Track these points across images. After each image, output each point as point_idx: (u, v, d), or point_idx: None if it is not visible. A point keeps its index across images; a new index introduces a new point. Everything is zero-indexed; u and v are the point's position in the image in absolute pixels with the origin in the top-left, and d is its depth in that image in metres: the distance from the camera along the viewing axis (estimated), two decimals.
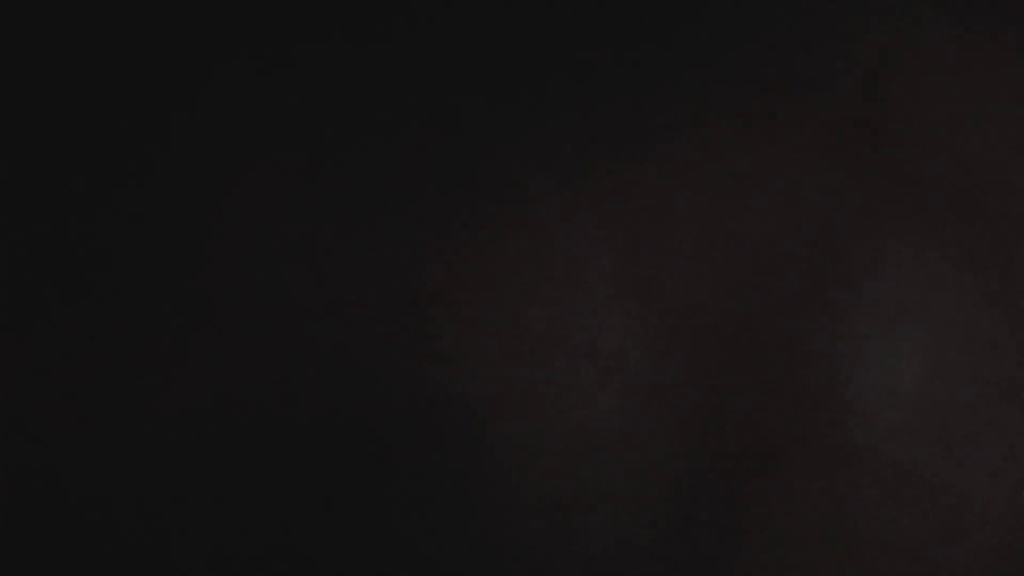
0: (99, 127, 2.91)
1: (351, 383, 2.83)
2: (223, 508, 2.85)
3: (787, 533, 2.74)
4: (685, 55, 2.78)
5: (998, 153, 2.75)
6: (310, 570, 2.83)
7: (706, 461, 2.76)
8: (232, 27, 2.89)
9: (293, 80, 2.87)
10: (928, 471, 2.73)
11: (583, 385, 2.77)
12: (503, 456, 2.79)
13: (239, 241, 2.87)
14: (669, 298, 2.79)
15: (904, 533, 2.73)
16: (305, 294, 2.85)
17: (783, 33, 2.77)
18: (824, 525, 2.74)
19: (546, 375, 2.78)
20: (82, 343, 2.88)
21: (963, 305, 2.74)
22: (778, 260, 2.77)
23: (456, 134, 2.82)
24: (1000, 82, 2.76)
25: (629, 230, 2.80)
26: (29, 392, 2.88)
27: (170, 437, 2.86)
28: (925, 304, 2.75)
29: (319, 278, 2.85)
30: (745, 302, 2.76)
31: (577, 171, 2.81)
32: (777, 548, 2.75)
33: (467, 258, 2.82)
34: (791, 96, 2.77)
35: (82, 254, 2.89)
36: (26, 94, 2.93)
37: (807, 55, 2.77)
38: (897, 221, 2.77)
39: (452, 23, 2.83)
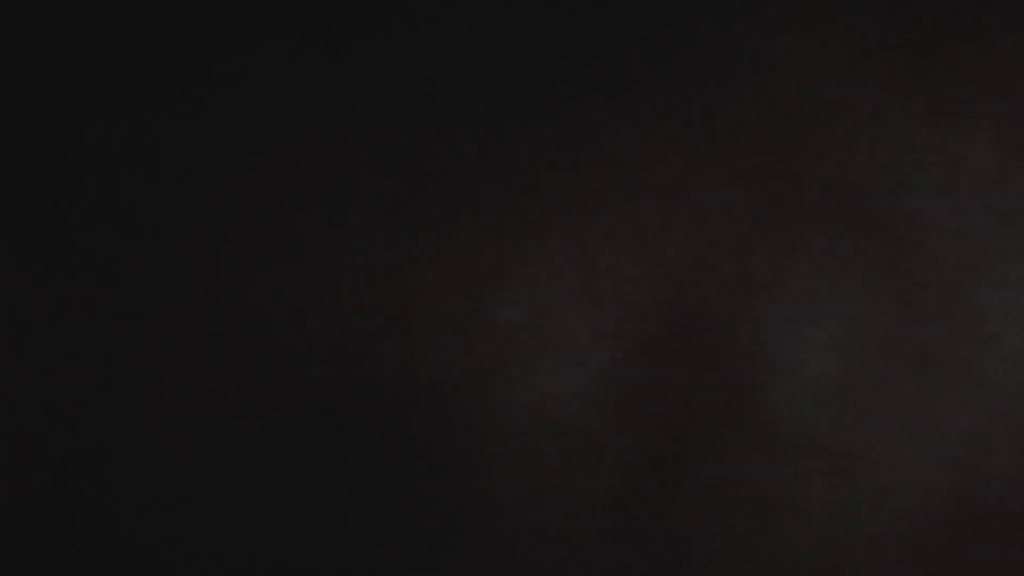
0: (101, 128, 2.87)
1: (337, 371, 2.83)
2: (225, 485, 2.82)
3: (721, 501, 2.78)
4: (618, 83, 2.80)
5: (893, 160, 2.77)
6: (298, 546, 2.83)
7: (653, 439, 2.79)
8: (233, 27, 2.86)
9: (287, 87, 2.85)
10: (841, 445, 2.76)
11: (546, 374, 2.81)
12: (472, 437, 2.81)
13: (235, 239, 2.85)
14: (621, 297, 2.82)
15: (822, 500, 2.76)
16: (296, 291, 2.84)
17: (703, 63, 2.79)
18: (752, 494, 2.77)
19: (512, 365, 2.81)
20: (83, 341, 2.86)
21: (866, 298, 2.77)
22: (708, 263, 2.80)
23: (436, 148, 2.83)
24: (894, 92, 2.77)
25: (586, 238, 2.83)
26: (29, 392, 2.85)
27: (171, 430, 2.84)
28: (833, 298, 2.78)
29: (309, 275, 2.84)
30: (683, 300, 2.80)
31: (541, 185, 2.83)
32: (712, 514, 2.79)
33: (443, 260, 2.83)
34: (708, 119, 2.79)
35: (84, 253, 2.86)
36: (27, 94, 2.88)
37: (722, 82, 2.78)
38: (806, 226, 2.79)
39: (427, 38, 2.83)
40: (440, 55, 2.85)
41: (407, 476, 2.83)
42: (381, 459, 2.84)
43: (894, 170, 2.79)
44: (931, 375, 2.77)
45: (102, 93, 2.89)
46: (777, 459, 2.78)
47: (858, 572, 2.76)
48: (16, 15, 2.86)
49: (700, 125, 2.81)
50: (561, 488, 2.82)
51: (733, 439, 2.79)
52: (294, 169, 2.86)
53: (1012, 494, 2.74)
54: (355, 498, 2.84)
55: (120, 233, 2.87)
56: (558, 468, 2.82)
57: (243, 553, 2.84)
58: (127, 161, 2.88)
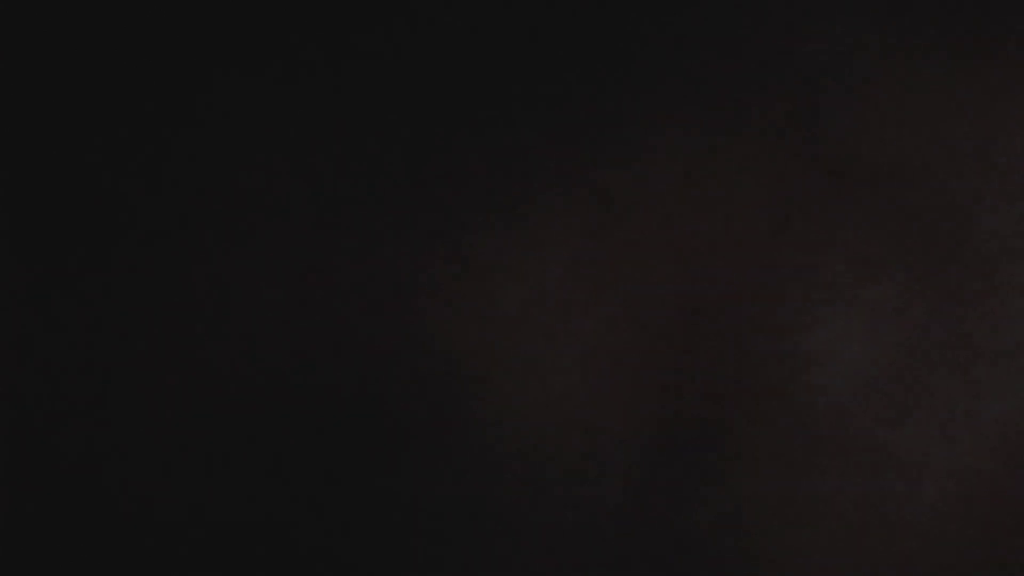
0: (102, 128, 2.89)
1: (347, 359, 2.83)
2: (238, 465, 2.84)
3: (746, 495, 2.77)
4: (641, 68, 2.80)
5: (929, 147, 2.77)
6: (300, 543, 2.84)
7: (668, 431, 2.78)
8: (232, 26, 2.87)
9: (286, 86, 2.86)
10: (874, 438, 2.76)
11: (553, 363, 2.80)
12: (480, 432, 2.81)
13: (241, 234, 2.86)
14: (631, 283, 2.81)
15: (855, 494, 2.76)
16: (297, 287, 2.84)
17: (730, 50, 2.79)
18: (781, 488, 2.77)
19: (520, 355, 2.81)
20: (84, 340, 2.87)
21: (901, 287, 2.76)
22: (729, 249, 2.79)
23: (438, 143, 2.83)
24: (929, 78, 2.77)
25: (592, 226, 2.81)
26: (30, 391, 2.87)
27: (169, 428, 2.85)
28: (862, 288, 2.78)
29: (315, 270, 2.85)
30: (700, 287, 2.79)
31: (556, 174, 2.82)
32: (736, 510, 2.78)
33: (450, 253, 2.83)
34: (736, 105, 2.79)
35: (84, 253, 2.88)
36: (28, 94, 2.90)
37: (749, 69, 2.78)
38: (836, 216, 2.78)
39: (432, 34, 2.84)
40: (447, 40, 2.84)
41: (413, 471, 2.84)
42: (387, 454, 2.84)
43: (929, 157, 2.79)
44: (967, 366, 2.76)
45: (104, 94, 2.91)
46: (807, 453, 2.78)
47: (892, 566, 2.76)
48: (16, 15, 2.91)
49: (727, 111, 2.80)
50: (573, 483, 2.81)
51: (760, 432, 2.79)
52: (295, 164, 2.87)
53: None
54: (360, 494, 2.85)
55: (121, 233, 2.89)
56: (571, 463, 2.82)
57: (246, 551, 2.86)
58: (127, 160, 2.90)
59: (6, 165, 2.88)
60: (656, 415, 2.79)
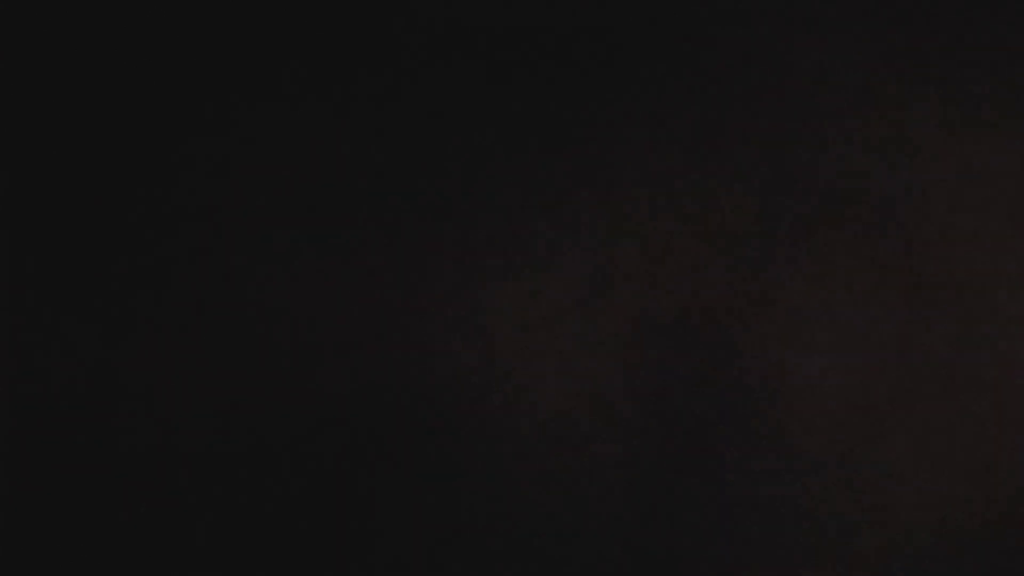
0: (103, 131, 2.86)
1: (338, 378, 2.82)
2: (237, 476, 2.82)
3: (730, 513, 2.77)
4: (634, 86, 2.79)
5: (908, 164, 2.76)
6: (302, 551, 2.82)
7: (657, 446, 2.78)
8: (235, 34, 2.85)
9: (286, 89, 2.84)
10: (851, 456, 2.76)
11: (551, 381, 2.80)
12: (476, 446, 2.81)
13: (240, 240, 2.83)
14: (629, 305, 2.80)
15: (831, 512, 2.76)
16: (295, 297, 2.83)
17: (710, 65, 2.78)
18: (761, 506, 2.77)
19: (517, 372, 2.80)
20: (83, 339, 2.84)
21: (879, 306, 2.77)
22: (718, 271, 2.79)
23: (443, 147, 2.83)
24: (907, 96, 2.78)
25: (595, 246, 2.81)
26: (30, 389, 2.84)
27: (170, 435, 2.83)
28: (845, 307, 2.78)
29: (309, 280, 2.83)
30: (689, 308, 2.79)
31: (549, 191, 2.82)
32: (720, 528, 2.78)
33: (447, 264, 2.82)
34: (719, 123, 2.79)
35: (85, 252, 2.85)
36: (29, 95, 2.88)
37: (733, 86, 2.78)
38: (819, 234, 2.78)
39: (439, 32, 2.83)
40: (448, 50, 2.84)
41: (411, 483, 2.83)
42: (385, 465, 2.83)
43: (908, 175, 2.79)
44: (944, 384, 2.76)
45: (104, 94, 2.89)
46: (786, 471, 2.78)
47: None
48: (26, 20, 2.89)
49: (711, 130, 2.81)
50: (565, 499, 2.81)
51: (742, 450, 2.79)
52: (297, 167, 2.86)
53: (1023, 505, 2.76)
54: (358, 504, 2.84)
55: (121, 233, 2.87)
56: (562, 479, 2.82)
57: (247, 557, 2.84)
58: (127, 160, 2.88)
59: (6, 165, 2.86)
60: (646, 430, 2.79)
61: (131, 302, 2.85)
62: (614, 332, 2.81)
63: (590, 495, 2.79)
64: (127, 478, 2.84)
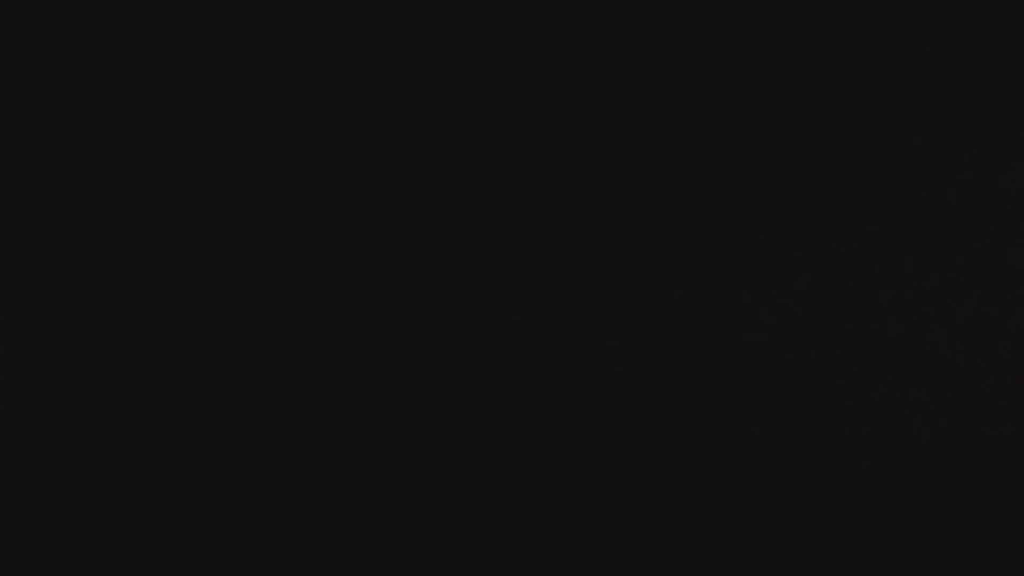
0: (102, 125, 2.86)
1: (347, 360, 2.82)
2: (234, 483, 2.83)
3: (740, 493, 2.76)
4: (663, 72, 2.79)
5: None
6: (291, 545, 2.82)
7: (688, 454, 2.77)
8: (232, 22, 2.84)
9: (289, 83, 2.84)
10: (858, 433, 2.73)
11: (567, 384, 2.79)
12: (488, 449, 2.80)
13: (245, 240, 2.84)
14: (651, 304, 2.79)
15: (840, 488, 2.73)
16: (305, 291, 2.83)
17: (725, 55, 2.77)
18: (774, 484, 2.74)
19: (534, 376, 2.79)
20: (83, 340, 2.84)
21: (897, 296, 2.73)
22: (745, 269, 2.77)
23: (457, 145, 2.82)
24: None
25: (615, 243, 2.79)
26: (30, 389, 2.84)
27: (170, 427, 2.83)
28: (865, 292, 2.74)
29: (322, 275, 2.83)
30: (719, 307, 2.77)
31: (574, 200, 2.81)
32: (731, 507, 2.76)
33: (451, 256, 2.81)
34: (738, 121, 2.78)
35: (84, 252, 2.85)
36: (29, 94, 2.87)
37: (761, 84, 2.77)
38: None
39: (453, 29, 2.82)
40: (449, 42, 2.83)
41: (416, 472, 2.82)
42: (389, 457, 2.83)
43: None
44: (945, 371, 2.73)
45: (98, 91, 2.88)
46: (802, 451, 2.76)
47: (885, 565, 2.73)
48: (26, 20, 2.88)
49: (726, 129, 2.79)
50: (558, 491, 2.80)
51: (759, 431, 2.77)
52: (296, 165, 2.85)
53: None
54: (359, 496, 2.83)
55: (121, 233, 2.86)
56: (554, 470, 2.80)
57: (245, 552, 2.84)
58: (127, 160, 2.87)
59: (6, 165, 2.86)
60: (675, 437, 2.78)
61: (129, 302, 2.85)
62: (636, 336, 2.77)
63: (594, 486, 2.76)
64: (126, 478, 2.85)
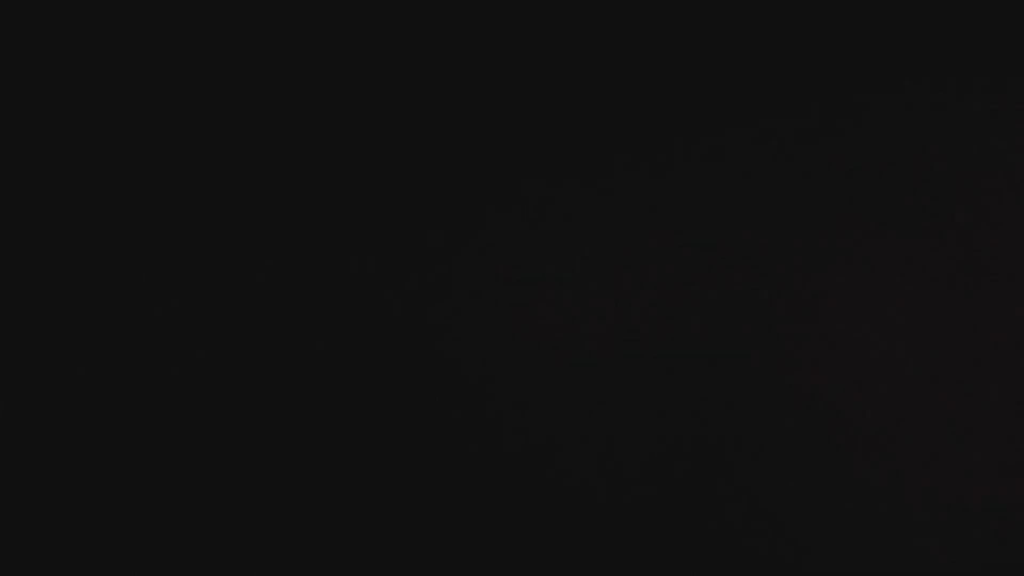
0: (100, 125, 2.88)
1: (349, 360, 2.84)
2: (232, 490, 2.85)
3: (763, 512, 2.78)
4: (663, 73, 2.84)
5: (961, 162, 2.79)
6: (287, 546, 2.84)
7: (690, 446, 2.79)
8: (230, 23, 2.87)
9: (292, 77, 2.87)
10: (895, 456, 2.76)
11: (577, 379, 2.82)
12: (487, 432, 2.82)
13: (247, 240, 2.87)
14: (657, 300, 2.81)
15: (869, 511, 2.76)
16: (310, 288, 2.85)
17: (728, 57, 2.82)
18: (787, 487, 2.78)
19: (545, 370, 2.82)
20: (83, 340, 2.86)
21: (926, 290, 2.77)
22: (752, 263, 2.80)
23: (464, 143, 2.85)
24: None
25: (620, 243, 2.82)
26: (30, 388, 2.85)
27: (170, 426, 2.85)
28: (891, 286, 2.78)
29: (325, 272, 2.85)
30: (724, 302, 2.80)
31: (577, 196, 2.84)
32: (743, 510, 2.79)
33: (456, 256, 2.84)
34: (748, 116, 2.82)
35: (84, 252, 2.87)
36: (29, 95, 2.89)
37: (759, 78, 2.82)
38: (860, 223, 2.79)
39: (455, 28, 2.85)
40: (451, 43, 2.84)
41: (419, 473, 2.84)
42: (390, 457, 2.85)
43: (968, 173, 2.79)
44: (974, 370, 2.75)
45: (98, 92, 2.89)
46: (816, 453, 2.77)
47: (897, 569, 2.75)
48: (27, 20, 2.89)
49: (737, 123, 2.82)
50: (591, 486, 2.81)
51: (774, 450, 2.79)
52: (297, 165, 2.87)
53: None
54: (360, 496, 2.85)
55: (122, 229, 2.88)
56: (581, 465, 2.81)
57: (246, 552, 2.85)
58: (126, 160, 2.89)
59: (6, 165, 2.87)
60: (681, 431, 2.79)
61: (129, 302, 2.86)
62: (631, 322, 2.78)
63: (604, 491, 2.79)
64: (127, 478, 2.85)
